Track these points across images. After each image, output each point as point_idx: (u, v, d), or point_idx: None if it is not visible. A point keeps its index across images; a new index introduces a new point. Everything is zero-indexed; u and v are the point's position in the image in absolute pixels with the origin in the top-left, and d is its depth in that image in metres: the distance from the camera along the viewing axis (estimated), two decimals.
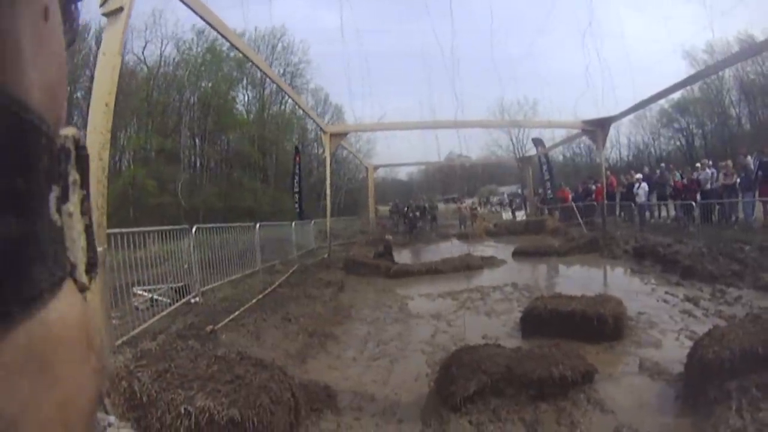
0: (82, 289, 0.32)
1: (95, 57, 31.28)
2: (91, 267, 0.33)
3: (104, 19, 4.83)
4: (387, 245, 13.94)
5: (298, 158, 20.52)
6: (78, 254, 0.32)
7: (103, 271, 4.31)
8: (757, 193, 12.77)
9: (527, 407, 3.63)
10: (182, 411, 3.16)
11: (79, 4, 0.37)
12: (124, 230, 5.90)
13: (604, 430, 3.37)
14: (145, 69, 33.51)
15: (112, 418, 2.90)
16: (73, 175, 0.32)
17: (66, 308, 0.28)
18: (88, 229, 0.34)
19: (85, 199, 0.33)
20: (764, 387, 3.22)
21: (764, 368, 3.33)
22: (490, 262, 11.66)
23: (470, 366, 3.85)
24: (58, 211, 0.28)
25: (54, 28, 0.29)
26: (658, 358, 4.59)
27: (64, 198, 0.30)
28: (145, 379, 3.42)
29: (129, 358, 3.83)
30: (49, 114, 0.27)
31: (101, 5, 4.64)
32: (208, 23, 6.77)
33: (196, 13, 6.29)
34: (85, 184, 0.33)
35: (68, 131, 0.32)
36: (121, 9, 4.61)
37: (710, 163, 15.20)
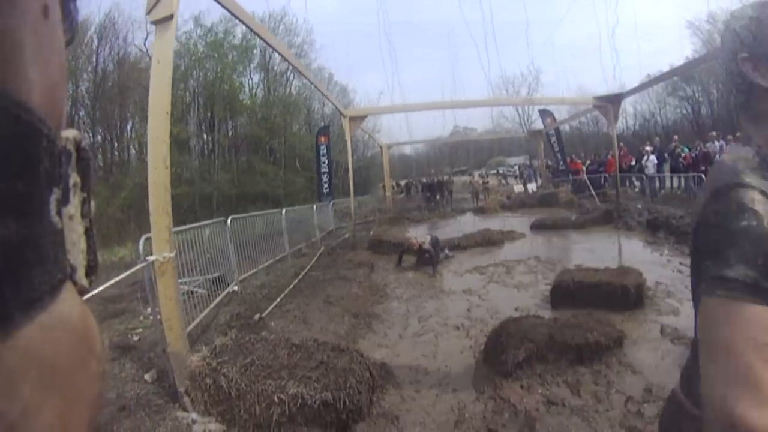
0: (82, 292, 0.32)
1: (97, 53, 31.45)
2: (91, 270, 0.33)
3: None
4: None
5: (323, 139, 20.79)
6: (78, 257, 0.32)
7: (175, 277, 4.44)
8: None
9: (568, 371, 4.16)
10: (275, 400, 3.46)
11: (77, 0, 0.36)
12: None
13: (636, 388, 3.88)
14: (148, 60, 33.43)
15: (194, 415, 3.41)
16: (74, 178, 0.32)
17: (66, 311, 0.28)
18: (89, 232, 0.33)
19: (85, 202, 0.33)
20: None
21: None
22: (510, 236, 11.90)
23: (517, 336, 4.32)
24: (59, 213, 0.28)
25: (54, 27, 0.29)
26: (677, 324, 5.11)
27: (64, 200, 0.30)
28: (233, 374, 3.70)
29: (207, 354, 4.07)
30: (50, 115, 0.28)
31: (148, 12, 4.50)
32: (226, 8, 6.19)
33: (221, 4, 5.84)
34: (85, 186, 0.33)
35: (69, 133, 0.32)
36: (170, 16, 4.50)
37: (720, 135, 15.36)
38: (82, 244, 0.33)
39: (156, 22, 4.52)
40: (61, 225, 0.29)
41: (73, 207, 0.32)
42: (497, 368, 4.27)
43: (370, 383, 3.91)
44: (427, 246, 9.05)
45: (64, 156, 0.31)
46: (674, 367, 4.19)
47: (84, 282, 0.32)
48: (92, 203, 0.34)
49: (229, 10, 5.95)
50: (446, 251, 9.95)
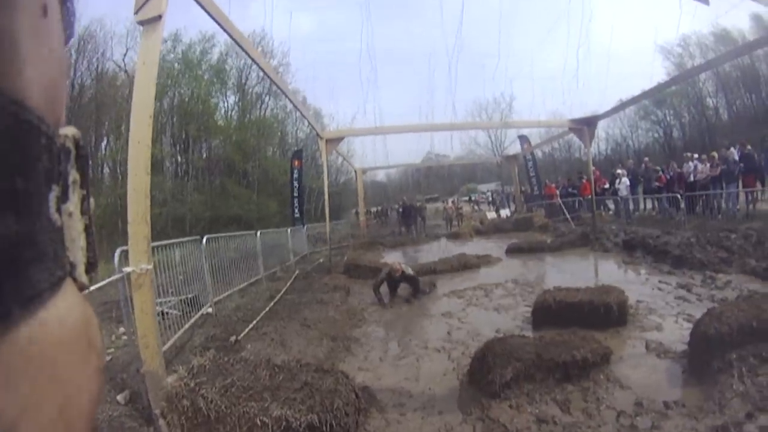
0: (82, 288, 0.32)
1: (75, 66, 30.93)
2: (91, 267, 0.33)
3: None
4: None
5: (296, 163, 20.77)
6: (78, 254, 0.32)
7: (153, 291, 4.29)
8: (740, 184, 13.39)
9: (556, 389, 4.09)
10: (258, 422, 3.24)
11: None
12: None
13: (626, 402, 3.83)
14: (125, 76, 32.89)
15: None
16: (73, 175, 0.32)
17: (66, 308, 0.28)
18: (89, 229, 0.34)
19: (85, 199, 0.33)
20: (760, 356, 3.81)
21: (759, 340, 3.93)
22: (486, 260, 11.80)
23: (503, 355, 4.23)
24: (58, 210, 0.29)
25: (53, 25, 0.29)
26: (661, 340, 5.12)
27: (64, 198, 0.30)
28: (212, 396, 3.49)
29: (185, 374, 3.87)
30: (49, 113, 0.28)
31: (136, 12, 4.38)
32: (220, 25, 6.23)
33: (209, 14, 5.76)
34: (85, 184, 0.33)
35: (68, 131, 0.32)
36: (158, 17, 4.40)
37: (694, 156, 15.60)
38: (82, 241, 0.33)
39: (143, 23, 4.45)
40: (60, 222, 0.29)
41: (73, 204, 0.32)
42: (484, 389, 4.17)
43: (356, 405, 3.76)
44: (409, 272, 8.63)
45: (63, 153, 0.31)
46: (662, 381, 4.19)
47: (84, 279, 0.33)
48: (92, 200, 0.35)
49: (215, 20, 5.88)
50: (423, 288, 9.01)
